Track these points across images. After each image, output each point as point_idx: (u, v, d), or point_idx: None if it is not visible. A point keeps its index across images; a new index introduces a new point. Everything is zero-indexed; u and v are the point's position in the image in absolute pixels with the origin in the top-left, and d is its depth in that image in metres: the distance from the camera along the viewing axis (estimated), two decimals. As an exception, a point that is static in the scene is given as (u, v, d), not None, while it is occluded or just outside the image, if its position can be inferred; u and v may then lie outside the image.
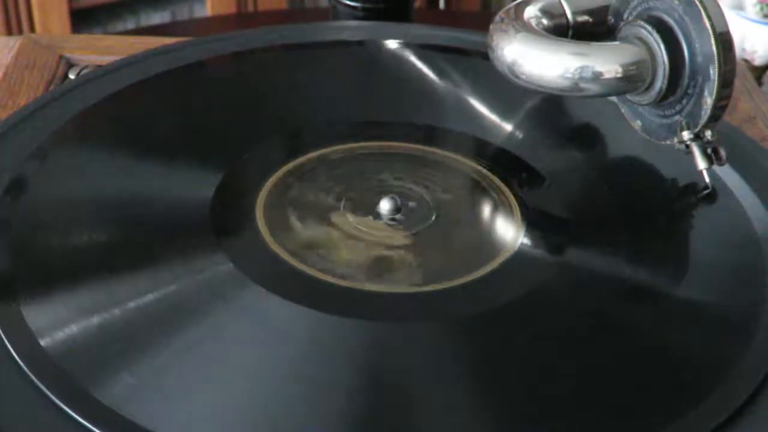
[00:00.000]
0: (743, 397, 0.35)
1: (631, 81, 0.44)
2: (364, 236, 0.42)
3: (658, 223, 0.45)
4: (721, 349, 0.38)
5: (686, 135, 0.43)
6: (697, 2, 0.41)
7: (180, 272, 0.39)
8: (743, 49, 0.98)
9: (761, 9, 0.96)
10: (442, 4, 1.46)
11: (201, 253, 0.40)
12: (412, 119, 0.50)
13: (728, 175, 0.45)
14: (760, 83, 0.97)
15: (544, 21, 0.46)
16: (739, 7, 0.98)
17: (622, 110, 0.48)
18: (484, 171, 0.47)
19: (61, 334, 0.35)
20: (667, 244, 0.44)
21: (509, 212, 0.44)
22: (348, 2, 0.66)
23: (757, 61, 0.98)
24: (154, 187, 0.44)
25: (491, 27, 0.46)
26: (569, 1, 0.47)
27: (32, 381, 0.33)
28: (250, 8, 1.37)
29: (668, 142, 0.45)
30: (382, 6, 0.66)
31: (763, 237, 0.43)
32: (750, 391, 0.35)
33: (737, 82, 0.58)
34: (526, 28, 0.45)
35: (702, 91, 0.42)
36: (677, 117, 0.44)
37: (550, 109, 0.51)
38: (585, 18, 0.47)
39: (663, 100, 0.44)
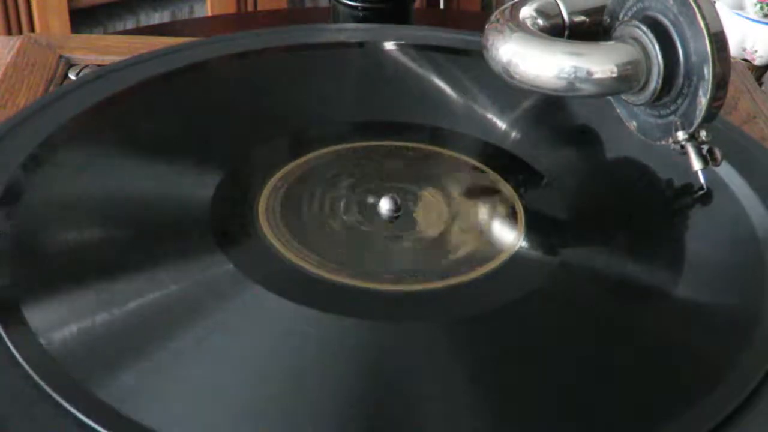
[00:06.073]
0: (743, 397, 0.35)
1: (626, 81, 0.44)
2: (365, 236, 0.42)
3: (658, 222, 0.45)
4: (720, 349, 0.38)
5: (681, 135, 0.43)
6: (692, 2, 0.41)
7: (180, 272, 0.39)
8: (743, 49, 0.98)
9: (761, 9, 0.96)
10: (442, 5, 1.46)
11: (201, 253, 0.40)
12: (413, 119, 0.50)
13: (728, 174, 0.46)
14: (760, 83, 0.97)
15: (540, 21, 0.46)
16: (739, 7, 0.98)
17: (618, 111, 0.48)
18: (485, 171, 0.47)
19: (62, 334, 0.35)
20: (667, 243, 0.44)
21: (510, 212, 0.44)
22: (348, 2, 0.66)
23: (757, 61, 0.98)
24: (154, 187, 0.44)
25: (487, 27, 0.46)
26: (565, 2, 0.47)
27: (33, 380, 0.33)
28: (250, 8, 1.37)
29: (663, 143, 0.45)
30: (383, 6, 0.67)
31: (763, 237, 0.43)
32: (749, 391, 0.35)
33: (737, 82, 0.58)
34: (521, 28, 0.45)
35: (697, 91, 0.42)
36: (672, 117, 0.44)
37: (550, 109, 0.51)
38: (581, 18, 0.47)
39: (658, 100, 0.44)
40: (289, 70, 0.54)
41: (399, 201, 0.43)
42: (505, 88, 0.47)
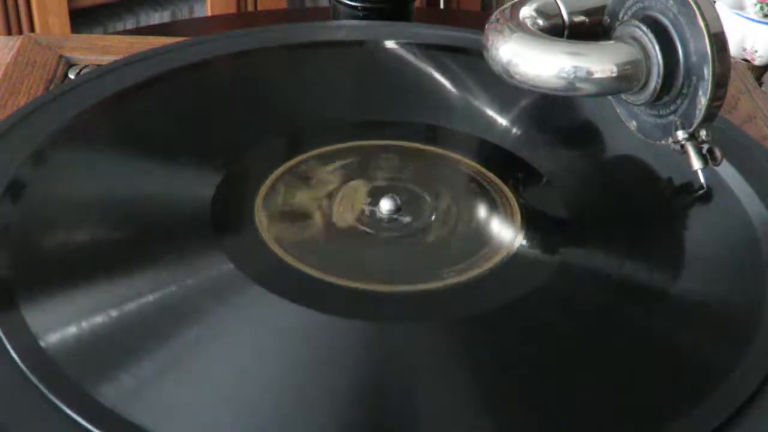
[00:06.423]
0: (745, 396, 0.35)
1: (626, 80, 0.44)
2: (364, 236, 0.42)
3: (658, 222, 0.45)
4: (722, 348, 0.38)
5: (681, 135, 0.43)
6: (692, 2, 0.41)
7: (180, 272, 0.39)
8: (743, 49, 0.98)
9: (761, 9, 0.96)
10: (442, 4, 1.46)
11: (201, 253, 0.40)
12: (412, 119, 0.50)
13: (729, 174, 0.46)
14: (760, 83, 0.98)
15: (540, 21, 0.46)
16: (739, 7, 0.98)
17: (618, 111, 0.48)
18: (484, 170, 0.47)
19: (60, 335, 0.35)
20: (667, 243, 0.44)
21: (509, 211, 0.44)
22: (348, 2, 0.66)
23: (757, 61, 0.98)
24: (154, 186, 0.44)
25: (486, 27, 0.46)
26: (565, 2, 0.47)
27: (32, 382, 0.33)
28: (250, 8, 1.37)
29: (663, 143, 0.45)
30: (382, 5, 0.66)
31: (763, 237, 0.43)
32: (751, 390, 0.35)
33: (737, 82, 0.58)
34: (521, 28, 0.45)
35: (696, 91, 0.42)
36: (672, 117, 0.44)
37: (549, 108, 0.51)
38: (581, 18, 0.47)
39: (658, 99, 0.44)
40: (289, 69, 0.53)
41: (399, 201, 0.43)
42: (505, 88, 0.47)
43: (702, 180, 0.44)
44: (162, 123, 0.49)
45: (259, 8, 1.37)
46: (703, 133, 0.43)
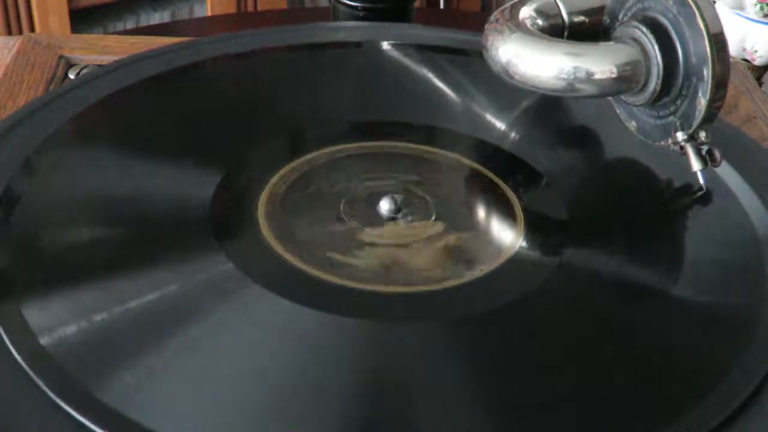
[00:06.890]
0: (744, 397, 0.35)
1: (626, 81, 0.44)
2: (364, 236, 0.42)
3: (658, 222, 0.45)
4: (721, 349, 0.38)
5: (680, 136, 0.43)
6: (692, 3, 0.41)
7: (180, 272, 0.39)
8: (743, 49, 0.98)
9: (761, 9, 0.96)
10: (442, 5, 1.46)
11: (201, 253, 0.40)
12: (412, 119, 0.50)
13: (729, 175, 0.46)
14: (760, 83, 0.98)
15: (540, 21, 0.46)
16: (739, 7, 0.98)
17: (617, 111, 0.48)
18: (484, 170, 0.47)
19: (61, 334, 0.35)
20: (667, 243, 0.44)
21: (509, 212, 0.44)
22: (348, 2, 0.66)
23: (757, 61, 0.98)
24: (154, 186, 0.44)
25: (486, 27, 0.46)
26: (565, 2, 0.47)
27: (33, 380, 0.33)
28: (250, 8, 1.37)
29: (663, 143, 0.45)
30: (382, 6, 0.66)
31: (763, 237, 0.43)
32: (750, 390, 0.35)
33: (737, 82, 0.58)
34: (521, 28, 0.45)
35: (696, 91, 0.42)
36: (671, 118, 0.44)
37: (549, 108, 0.51)
38: (580, 18, 0.47)
39: (657, 100, 0.44)
40: (289, 70, 0.54)
41: (399, 201, 0.43)
42: (504, 88, 0.47)
43: (702, 181, 0.44)
44: (162, 123, 0.49)
45: (259, 8, 1.37)
46: (702, 134, 0.43)
